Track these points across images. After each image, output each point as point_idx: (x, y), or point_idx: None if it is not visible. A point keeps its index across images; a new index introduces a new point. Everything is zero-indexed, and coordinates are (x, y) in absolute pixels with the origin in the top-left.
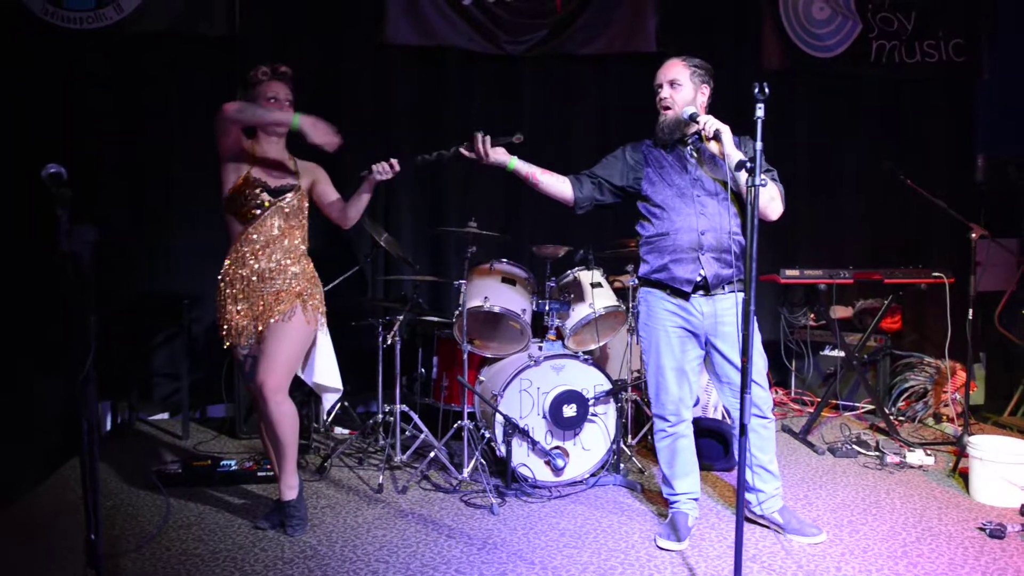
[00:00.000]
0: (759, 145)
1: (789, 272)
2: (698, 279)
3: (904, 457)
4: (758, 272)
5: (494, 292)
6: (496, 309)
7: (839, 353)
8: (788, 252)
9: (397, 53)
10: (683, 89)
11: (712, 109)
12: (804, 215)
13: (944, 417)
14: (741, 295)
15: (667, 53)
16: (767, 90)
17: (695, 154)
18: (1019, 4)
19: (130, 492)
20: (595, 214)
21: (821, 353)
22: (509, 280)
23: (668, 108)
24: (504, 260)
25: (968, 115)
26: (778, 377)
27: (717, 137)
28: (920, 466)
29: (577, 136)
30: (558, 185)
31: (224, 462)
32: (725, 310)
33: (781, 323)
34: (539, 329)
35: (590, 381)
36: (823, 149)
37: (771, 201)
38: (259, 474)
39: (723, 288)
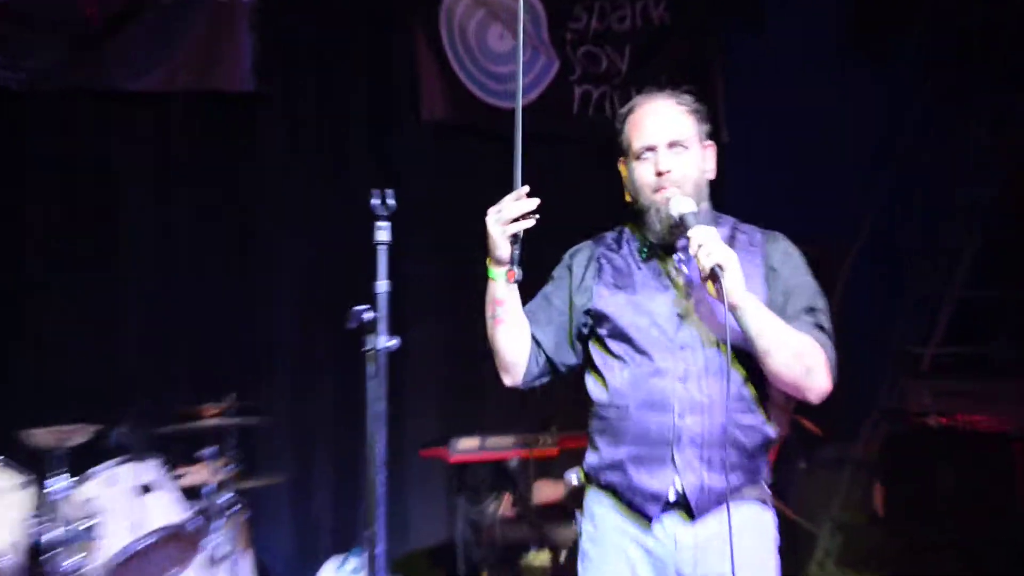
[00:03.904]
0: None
1: (464, 443)
2: (671, 494)
3: None
4: None
5: None
6: None
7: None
8: (465, 410)
9: None
10: (689, 154)
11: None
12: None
13: None
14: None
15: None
16: (391, 201)
17: (680, 275)
18: (750, 70)
19: None
20: (145, 362)
21: (524, 557)
22: None
23: (663, 190)
24: None
25: (719, 179)
26: None
27: (715, 276)
28: None
29: (126, 206)
30: None
31: None
32: (712, 539)
33: (459, 522)
34: None
35: None
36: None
37: (796, 360)
38: None
39: (714, 507)
